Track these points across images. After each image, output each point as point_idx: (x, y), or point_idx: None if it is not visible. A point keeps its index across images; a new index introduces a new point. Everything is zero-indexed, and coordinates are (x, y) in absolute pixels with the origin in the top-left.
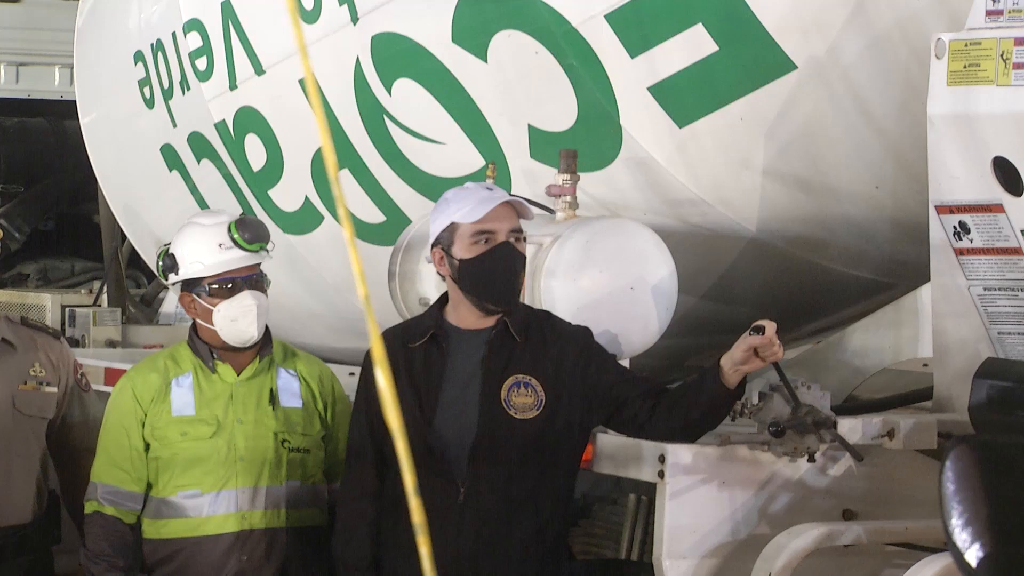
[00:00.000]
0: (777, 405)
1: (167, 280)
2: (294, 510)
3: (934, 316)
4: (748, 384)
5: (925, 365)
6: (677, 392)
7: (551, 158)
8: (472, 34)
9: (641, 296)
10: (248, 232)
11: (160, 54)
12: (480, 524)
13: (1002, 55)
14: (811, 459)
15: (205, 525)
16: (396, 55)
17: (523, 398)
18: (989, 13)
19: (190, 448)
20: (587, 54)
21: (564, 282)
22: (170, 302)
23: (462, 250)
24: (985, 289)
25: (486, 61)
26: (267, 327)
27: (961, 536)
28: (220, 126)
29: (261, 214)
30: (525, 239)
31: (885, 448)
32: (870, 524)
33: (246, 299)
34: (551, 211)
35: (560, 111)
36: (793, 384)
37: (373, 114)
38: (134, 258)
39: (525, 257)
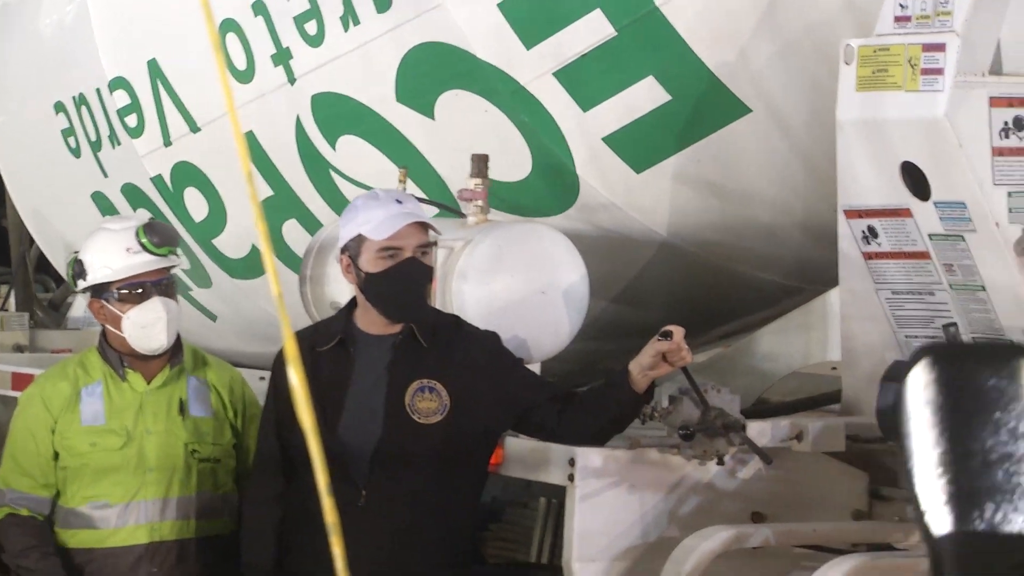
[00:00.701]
0: (686, 409)
1: (76, 286)
2: (204, 520)
3: (842, 320)
4: (658, 388)
5: (834, 368)
6: (586, 396)
7: (506, 206)
8: (417, 94)
9: (552, 300)
10: (157, 236)
11: (84, 108)
12: (381, 529)
13: (910, 61)
14: (720, 462)
15: (114, 536)
16: (338, 114)
17: (427, 403)
18: (897, 19)
19: (99, 459)
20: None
21: (475, 286)
22: (79, 307)
23: (368, 263)
24: (893, 293)
25: (433, 118)
26: (178, 333)
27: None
28: (156, 180)
29: (206, 261)
30: (436, 244)
31: (794, 451)
32: (779, 526)
33: (156, 306)
34: (462, 215)
35: (514, 163)
36: (702, 388)
37: (318, 168)
38: (42, 262)
39: (432, 269)
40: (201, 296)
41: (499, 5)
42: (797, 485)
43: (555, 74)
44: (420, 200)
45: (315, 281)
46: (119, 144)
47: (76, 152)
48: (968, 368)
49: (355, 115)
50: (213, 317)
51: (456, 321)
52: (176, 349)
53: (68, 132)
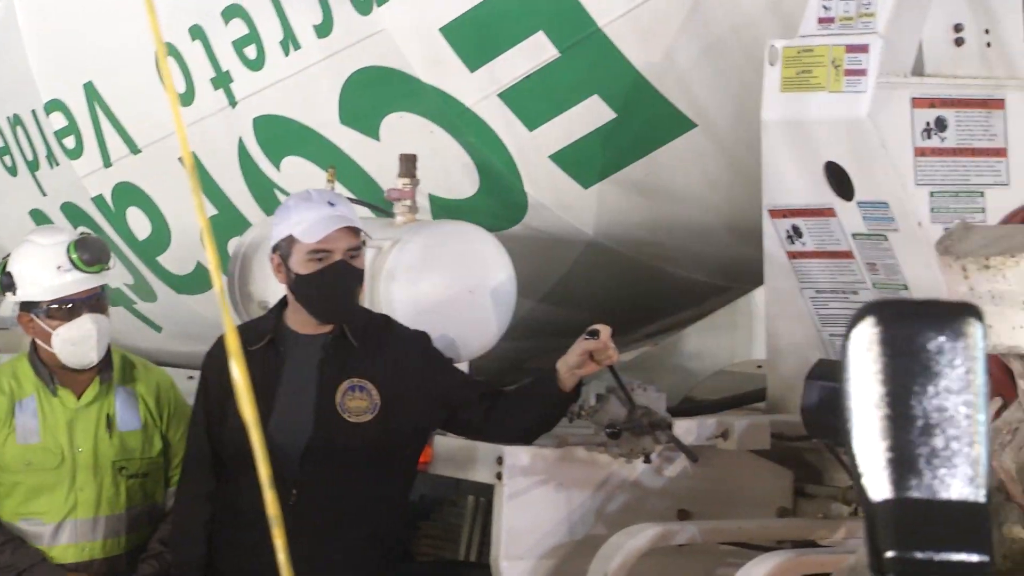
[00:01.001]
0: (613, 407)
1: (4, 296)
2: (134, 534)
3: (767, 318)
4: (585, 387)
5: (759, 367)
6: (514, 395)
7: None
8: (360, 117)
9: (480, 300)
10: (88, 253)
11: (20, 128)
12: (311, 527)
13: (833, 62)
14: (647, 460)
15: (47, 554)
16: (281, 135)
17: (358, 402)
18: (821, 20)
19: (34, 478)
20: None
21: (404, 286)
22: (7, 306)
23: (298, 264)
24: (817, 292)
25: (378, 139)
26: (109, 347)
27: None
28: (98, 199)
29: (151, 277)
30: (366, 243)
31: (719, 449)
32: (704, 524)
33: (86, 323)
34: (391, 215)
35: (461, 181)
36: (629, 386)
37: (262, 187)
38: None
39: (362, 272)
40: (145, 308)
41: (441, 29)
42: (723, 483)
43: (500, 95)
44: (350, 200)
45: (243, 281)
46: (57, 164)
47: (12, 171)
48: (911, 327)
49: (299, 137)
50: (158, 328)
51: (386, 321)
52: (105, 363)
53: (3, 151)
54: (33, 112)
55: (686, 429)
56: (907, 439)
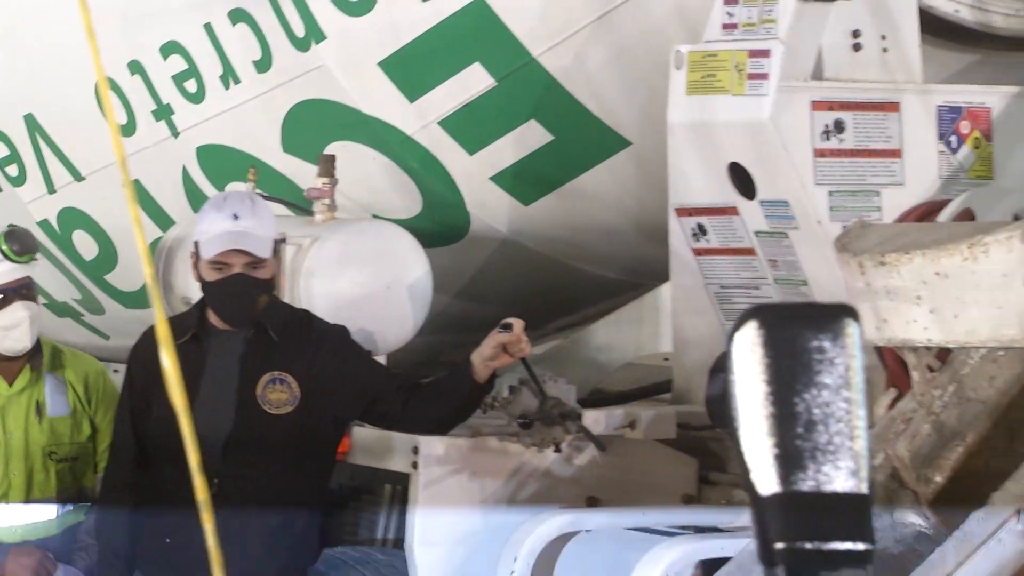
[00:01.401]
0: (525, 398)
1: None
2: (63, 516)
3: (673, 313)
4: (498, 379)
5: (666, 359)
6: (430, 387)
7: None
8: (303, 145)
9: (397, 295)
10: (17, 244)
11: None
12: (231, 515)
13: (736, 66)
14: (557, 449)
15: None
16: (225, 163)
17: (278, 394)
18: (725, 26)
19: None
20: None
21: (323, 282)
22: None
23: (203, 270)
24: (721, 287)
25: None
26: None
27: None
28: (43, 224)
29: (100, 295)
30: (287, 242)
31: (627, 438)
32: (612, 510)
33: (18, 311)
34: (311, 213)
35: (405, 204)
36: (541, 378)
37: None
38: None
39: (265, 281)
40: (93, 320)
41: (379, 64)
42: (630, 471)
43: (440, 123)
44: (269, 199)
45: (166, 276)
46: (0, 191)
47: None
48: (792, 329)
49: (242, 164)
50: (106, 337)
51: (306, 316)
52: (36, 350)
53: None
54: None
55: (595, 419)
56: (792, 435)
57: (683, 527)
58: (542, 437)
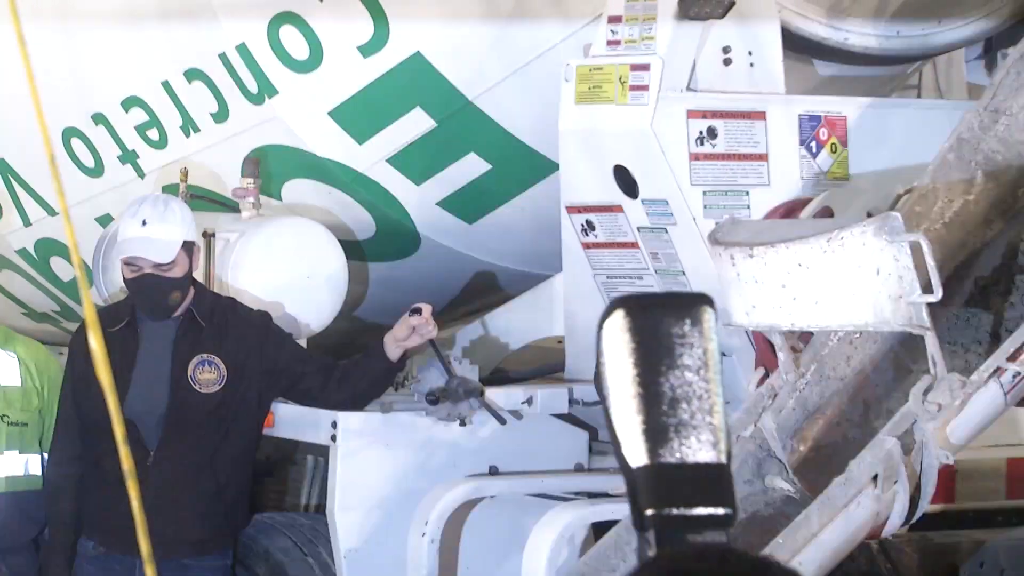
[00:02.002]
0: (433, 377)
1: None
2: (10, 477)
3: (566, 300)
4: (409, 359)
5: (559, 342)
6: (347, 367)
7: (358, 257)
8: (265, 181)
9: (316, 285)
10: None
11: None
12: (166, 484)
13: (620, 78)
14: (463, 423)
15: None
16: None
17: (207, 374)
18: (609, 43)
19: None
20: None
21: (249, 273)
22: None
23: (122, 268)
24: (608, 277)
25: (281, 199)
26: None
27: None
28: (22, 252)
29: (76, 307)
30: (216, 237)
31: (526, 413)
32: (512, 478)
33: None
34: (238, 210)
35: (360, 229)
36: (447, 359)
37: None
38: None
39: (173, 279)
40: (70, 325)
41: (329, 113)
42: (527, 442)
43: (388, 160)
44: (200, 196)
45: (106, 269)
46: None
47: None
48: (655, 317)
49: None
50: None
51: (232, 303)
52: None
53: None
54: None
55: (496, 396)
56: (657, 412)
57: (576, 493)
58: (448, 412)
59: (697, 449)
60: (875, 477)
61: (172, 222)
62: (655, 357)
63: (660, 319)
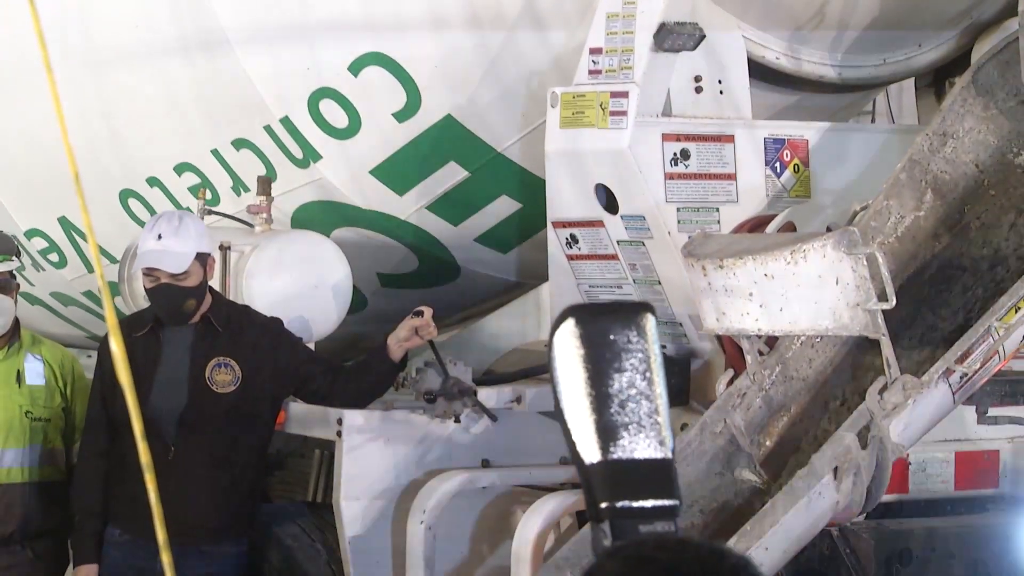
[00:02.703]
0: (430, 377)
1: None
2: (35, 468)
3: (552, 308)
4: (409, 361)
5: (546, 346)
6: (352, 368)
7: (396, 292)
8: (316, 228)
9: (323, 293)
10: None
11: None
12: (186, 477)
13: (601, 105)
14: (457, 420)
15: None
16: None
17: (223, 376)
18: (591, 72)
19: None
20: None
21: (261, 282)
22: None
23: (142, 278)
24: (591, 287)
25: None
26: (17, 319)
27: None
28: (87, 293)
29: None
30: (231, 249)
31: (515, 411)
32: (503, 471)
33: None
34: (251, 225)
35: (403, 264)
36: (444, 360)
37: None
38: None
39: (188, 288)
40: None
41: (371, 172)
42: (517, 438)
43: (427, 208)
44: (216, 213)
45: (130, 280)
46: (43, 270)
47: None
48: (602, 324)
49: None
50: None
51: (246, 309)
52: (14, 331)
53: None
54: (14, 236)
55: (488, 396)
56: (607, 413)
57: (561, 484)
58: (444, 410)
59: (645, 446)
60: (835, 470)
61: (185, 236)
62: (604, 361)
63: (607, 326)
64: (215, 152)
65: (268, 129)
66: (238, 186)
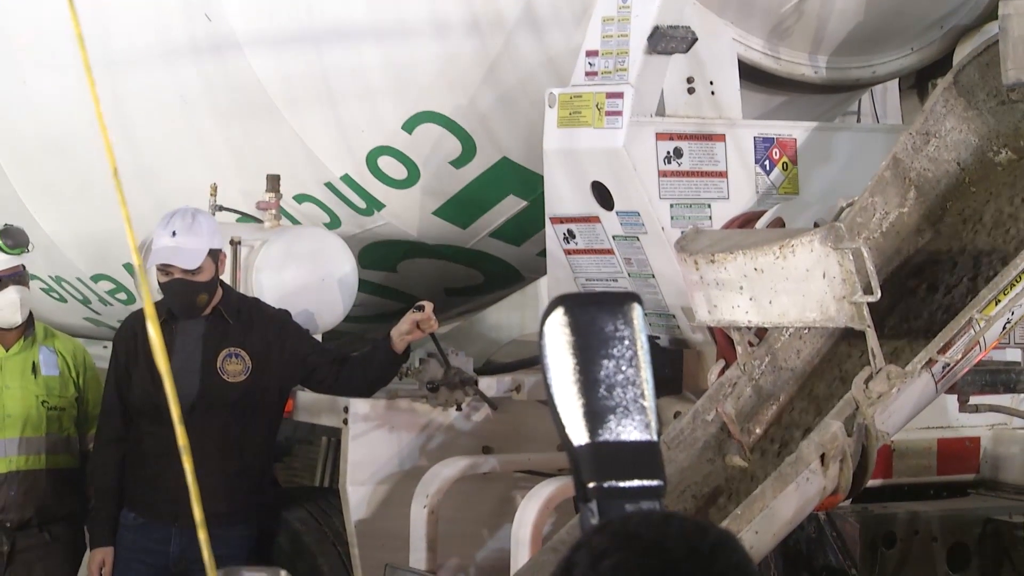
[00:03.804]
0: (433, 368)
1: None
2: (51, 455)
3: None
4: (412, 352)
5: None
6: (358, 358)
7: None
8: (379, 262)
9: (330, 286)
10: (11, 239)
11: (63, 283)
12: (197, 463)
13: (597, 105)
14: (459, 408)
15: None
16: None
17: (234, 365)
18: (587, 74)
19: None
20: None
21: (270, 275)
22: None
23: (156, 273)
24: (587, 280)
25: (396, 272)
26: (31, 313)
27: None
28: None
29: None
30: (242, 244)
31: (514, 399)
32: (503, 457)
33: (10, 293)
34: (260, 221)
35: (469, 279)
36: (445, 351)
37: None
38: None
39: (200, 283)
40: None
41: (433, 212)
42: (516, 425)
43: (490, 235)
44: (227, 209)
45: (147, 272)
46: (111, 305)
47: (62, 300)
48: (591, 313)
49: None
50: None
51: (255, 302)
52: (29, 324)
53: (50, 289)
54: (78, 278)
55: (488, 385)
56: (595, 397)
57: (559, 469)
58: (446, 399)
59: (631, 429)
60: (822, 456)
61: (198, 233)
62: (592, 348)
63: (595, 315)
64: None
65: (329, 185)
66: None
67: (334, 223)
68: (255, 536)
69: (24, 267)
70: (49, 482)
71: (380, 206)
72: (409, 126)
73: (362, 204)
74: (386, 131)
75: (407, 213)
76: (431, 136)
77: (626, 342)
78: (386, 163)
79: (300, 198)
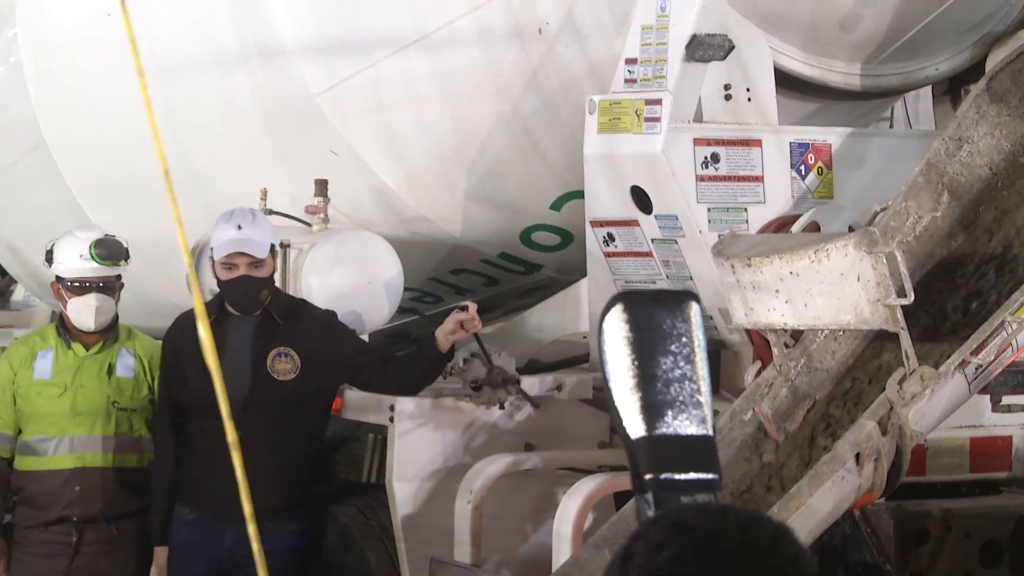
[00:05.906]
0: (477, 367)
1: (49, 268)
2: (119, 454)
3: (590, 301)
4: (456, 351)
5: (584, 337)
6: (403, 358)
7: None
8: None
9: (376, 288)
10: (103, 250)
11: None
12: (248, 460)
13: (636, 111)
14: (501, 407)
15: (49, 462)
16: None
17: (283, 364)
18: (627, 81)
19: (42, 404)
20: None
21: (318, 278)
22: (19, 292)
23: (217, 270)
24: (626, 282)
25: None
26: (116, 316)
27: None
28: None
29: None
30: (276, 253)
31: (556, 398)
32: (545, 454)
33: (90, 300)
34: (309, 224)
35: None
36: (489, 351)
37: None
38: None
39: (263, 279)
40: None
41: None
42: (558, 423)
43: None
44: (277, 213)
45: (199, 272)
46: None
47: None
48: (649, 310)
49: None
50: None
51: (303, 303)
52: (111, 327)
53: None
54: None
55: (531, 384)
56: (653, 392)
57: (599, 467)
58: (489, 397)
59: (688, 423)
60: (857, 455)
61: (261, 227)
62: (650, 344)
63: (654, 312)
64: (434, 279)
65: (486, 261)
66: (460, 292)
67: (491, 284)
68: (305, 530)
69: (118, 278)
70: (115, 480)
71: (538, 268)
72: (558, 204)
73: (522, 269)
74: (538, 213)
75: (561, 269)
76: (578, 208)
77: (683, 339)
78: (540, 236)
79: (456, 271)
